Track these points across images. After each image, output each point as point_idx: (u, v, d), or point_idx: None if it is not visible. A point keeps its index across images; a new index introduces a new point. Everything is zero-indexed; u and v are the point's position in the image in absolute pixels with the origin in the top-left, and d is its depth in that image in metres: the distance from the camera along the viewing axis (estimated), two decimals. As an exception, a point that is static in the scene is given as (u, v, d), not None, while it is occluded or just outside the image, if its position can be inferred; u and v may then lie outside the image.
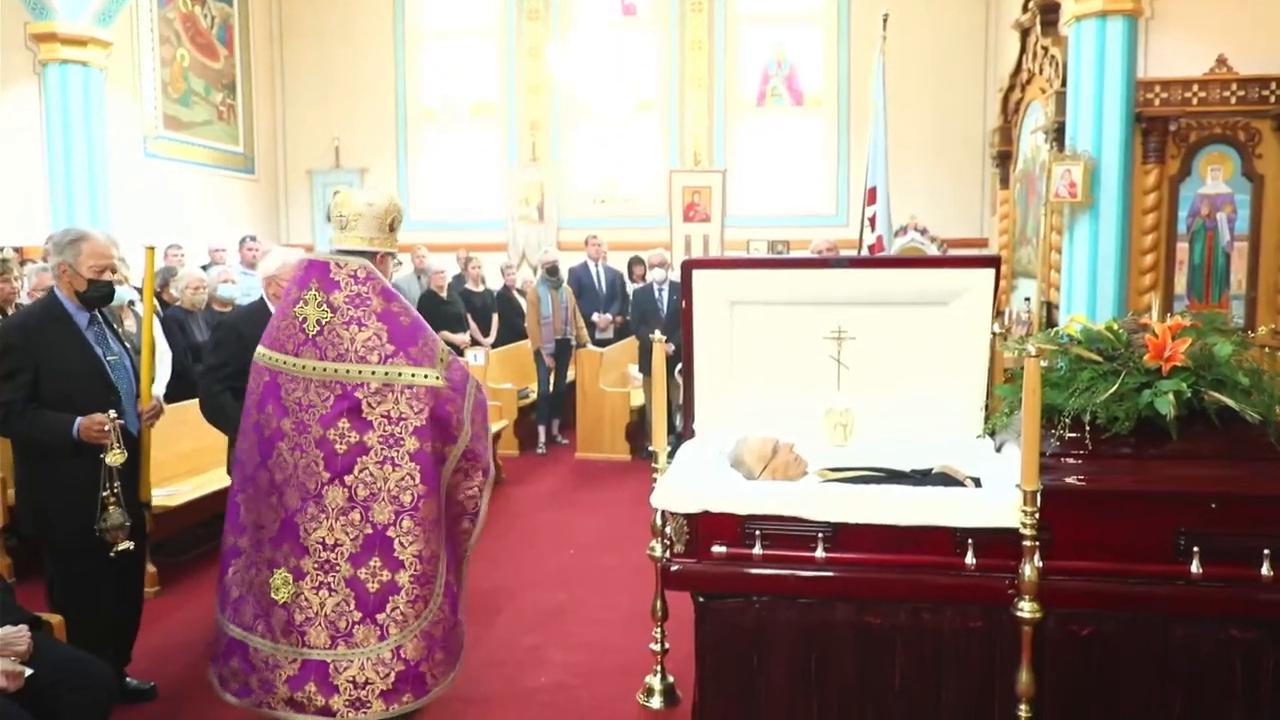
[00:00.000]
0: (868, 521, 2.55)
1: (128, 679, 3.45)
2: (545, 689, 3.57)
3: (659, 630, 3.36)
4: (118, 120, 9.01)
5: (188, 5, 10.46)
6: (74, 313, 3.19)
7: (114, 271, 3.24)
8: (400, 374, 2.84)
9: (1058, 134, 6.03)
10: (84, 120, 8.31)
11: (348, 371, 2.84)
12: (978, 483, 2.80)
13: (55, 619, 2.90)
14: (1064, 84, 5.98)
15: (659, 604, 3.33)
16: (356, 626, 2.89)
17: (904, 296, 3.14)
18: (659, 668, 3.40)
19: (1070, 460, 2.57)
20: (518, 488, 6.78)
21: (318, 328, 2.86)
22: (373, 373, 2.84)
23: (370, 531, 2.88)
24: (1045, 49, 6.43)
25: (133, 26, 9.54)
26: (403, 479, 2.87)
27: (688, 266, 3.20)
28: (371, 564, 2.88)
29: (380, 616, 2.88)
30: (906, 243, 9.27)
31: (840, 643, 2.67)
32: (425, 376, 2.85)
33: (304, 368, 2.88)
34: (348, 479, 2.87)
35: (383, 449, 2.86)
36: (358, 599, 2.89)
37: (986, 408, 3.14)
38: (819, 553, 2.60)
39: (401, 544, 2.89)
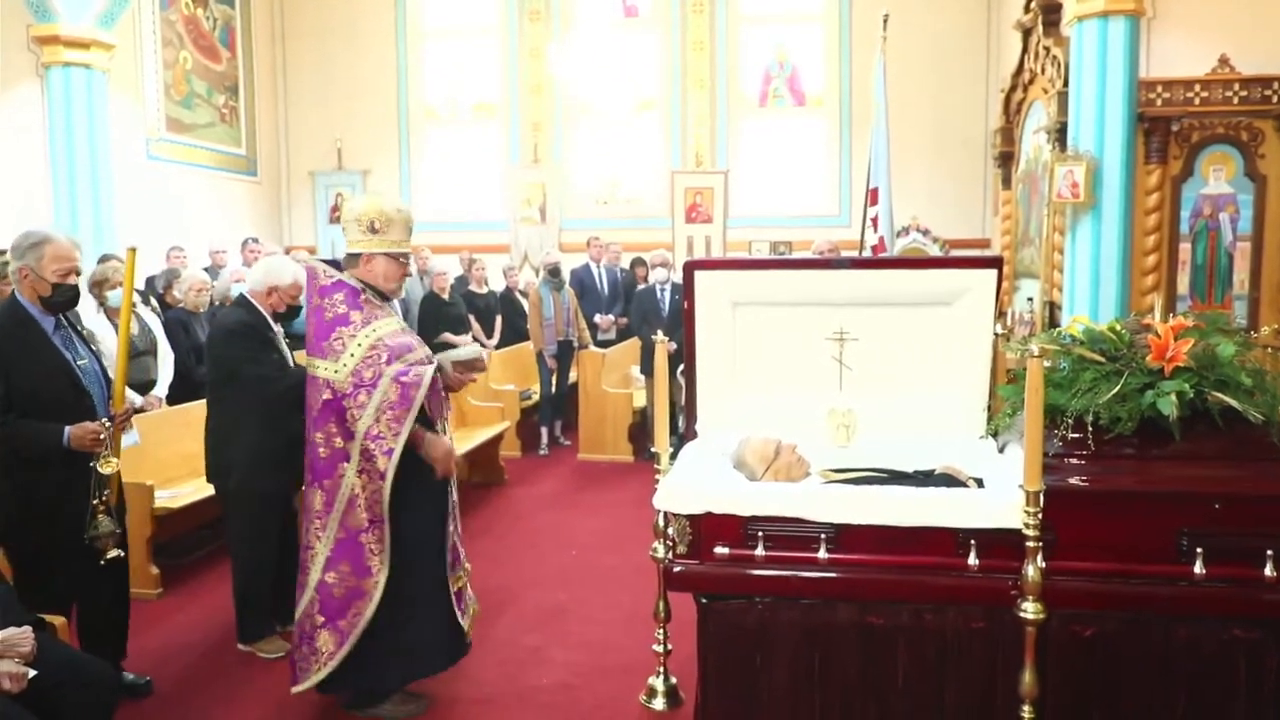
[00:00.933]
0: (870, 522, 2.55)
1: (124, 674, 3.45)
2: (547, 689, 3.57)
3: (661, 631, 3.36)
4: (120, 123, 9.02)
5: (190, 8, 10.48)
6: (39, 318, 3.11)
7: (78, 274, 3.18)
8: (314, 365, 3.08)
9: (1060, 134, 6.03)
10: (87, 123, 8.32)
11: (305, 363, 3.18)
12: (980, 483, 2.80)
13: (58, 620, 2.90)
14: (1066, 84, 5.98)
15: (661, 605, 3.32)
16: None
17: (906, 297, 3.14)
18: (661, 669, 3.39)
19: (1073, 461, 2.57)
20: (520, 489, 6.79)
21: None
22: (307, 364, 3.13)
23: (306, 513, 3.17)
24: (1047, 49, 6.43)
25: (135, 29, 9.56)
26: (306, 467, 3.12)
27: (690, 267, 3.20)
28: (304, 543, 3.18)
29: (297, 593, 3.18)
30: (908, 243, 9.28)
31: (843, 643, 2.67)
32: (325, 369, 3.04)
33: None
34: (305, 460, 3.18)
35: (307, 433, 3.12)
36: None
37: (989, 408, 3.13)
38: (821, 554, 2.60)
39: (303, 528, 3.14)
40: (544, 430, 8.04)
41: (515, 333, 8.90)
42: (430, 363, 3.16)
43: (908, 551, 2.56)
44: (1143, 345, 2.66)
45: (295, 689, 3.18)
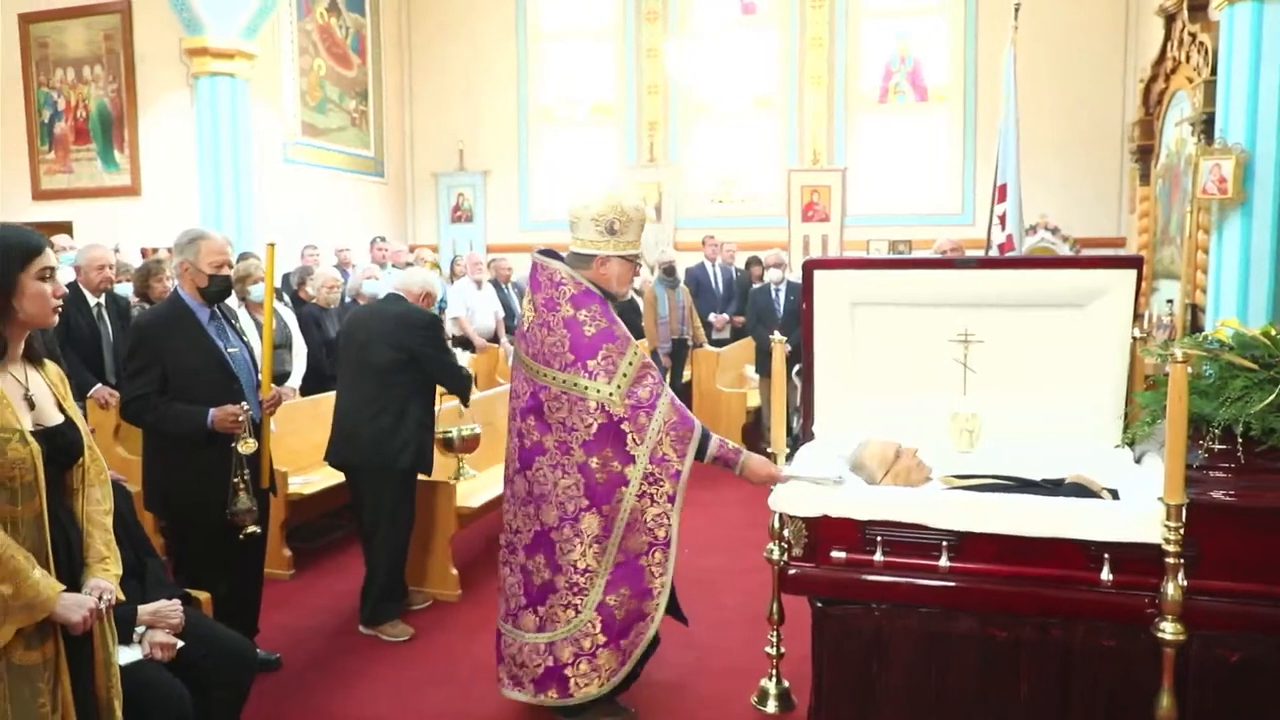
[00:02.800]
0: (995, 531, 2.47)
1: (257, 650, 3.64)
2: (657, 686, 3.57)
3: (775, 634, 3.32)
4: (261, 128, 9.54)
5: (324, 17, 10.98)
6: (196, 309, 3.36)
7: (230, 267, 3.45)
8: (576, 384, 2.88)
9: (1206, 126, 5.67)
10: (231, 129, 8.83)
11: (538, 371, 2.96)
12: (1114, 495, 2.66)
13: (203, 595, 3.08)
14: (1214, 72, 5.62)
15: (775, 607, 3.29)
16: (522, 611, 3.06)
17: (1036, 298, 3.02)
18: (774, 672, 3.36)
19: (1219, 474, 2.42)
20: (632, 486, 6.81)
21: (526, 324, 3.04)
22: (554, 378, 2.92)
23: (539, 528, 3.00)
24: (1193, 35, 6.06)
25: (275, 39, 10.08)
26: (569, 487, 2.92)
27: (809, 266, 3.16)
28: (538, 559, 3.01)
29: (541, 609, 3.01)
30: (1036, 242, 8.92)
31: (962, 654, 2.59)
32: (598, 391, 2.86)
33: (519, 358, 3.08)
34: (528, 473, 3.01)
35: (557, 454, 2.94)
36: (525, 585, 3.06)
37: (1125, 416, 2.98)
38: (943, 561, 2.53)
39: (561, 549, 2.95)
40: (656, 428, 8.06)
41: (630, 331, 8.93)
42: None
43: (1035, 563, 2.46)
44: (1301, 352, 2.48)
45: (571, 701, 3.03)
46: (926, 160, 11.02)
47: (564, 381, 2.90)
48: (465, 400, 4.34)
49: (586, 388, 2.87)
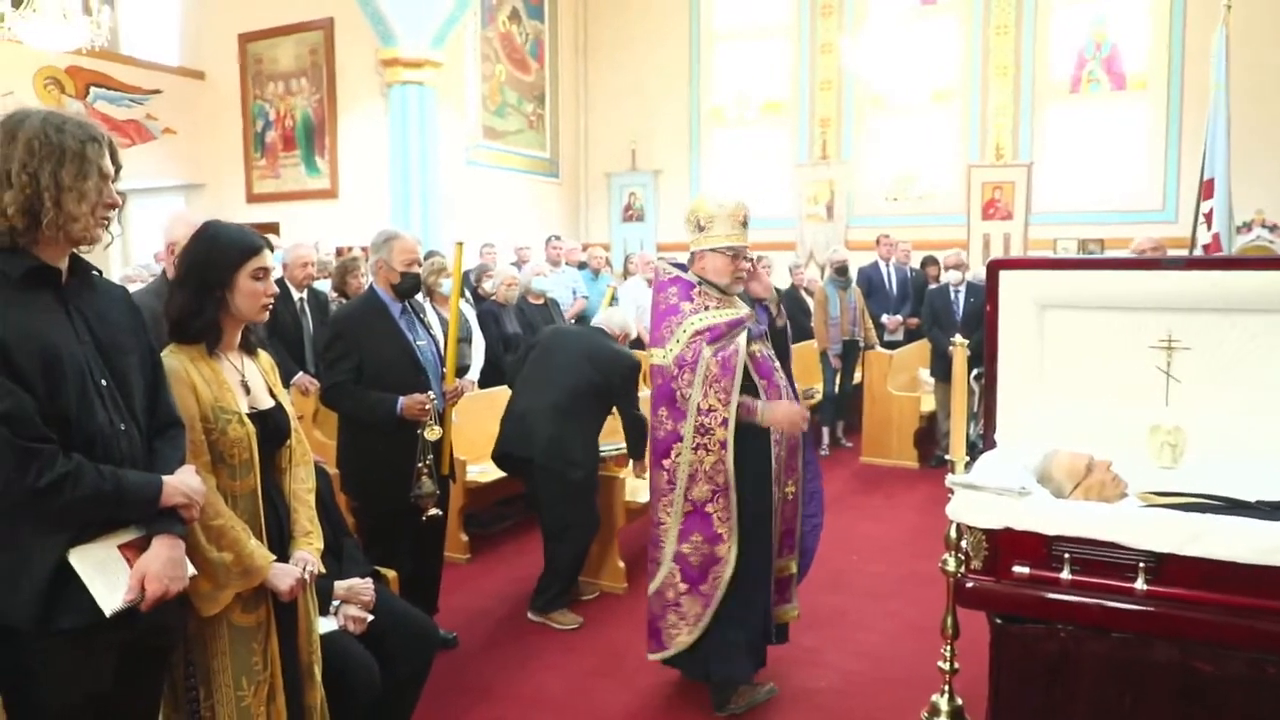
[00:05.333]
0: (1202, 555, 2.26)
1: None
2: (823, 692, 3.52)
3: (948, 649, 3.19)
4: (445, 133, 10.04)
5: (505, 24, 11.43)
6: (389, 304, 3.58)
7: (419, 265, 3.67)
8: (652, 354, 3.28)
9: None
10: (419, 134, 9.35)
11: None
12: (1346, 521, 2.39)
13: (390, 574, 3.27)
14: None
15: (949, 620, 3.16)
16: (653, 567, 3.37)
17: (1255, 302, 2.75)
18: (946, 688, 3.22)
19: None
20: (798, 488, 6.73)
21: None
22: (649, 354, 3.33)
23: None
24: None
25: (460, 48, 10.58)
26: (650, 447, 3.31)
27: (994, 266, 3.01)
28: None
29: (651, 567, 3.33)
30: (1250, 241, 8.19)
31: (1160, 687, 2.39)
32: (658, 356, 3.22)
33: None
34: None
35: (651, 418, 3.33)
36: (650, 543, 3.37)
37: (1360, 434, 2.68)
38: (1139, 584, 2.34)
39: (652, 507, 3.30)
40: (825, 430, 7.93)
41: (799, 331, 8.80)
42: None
43: (1249, 593, 2.24)
44: None
45: (660, 655, 3.33)
46: (1123, 153, 10.28)
47: (650, 354, 3.30)
48: (637, 454, 4.43)
49: (654, 354, 3.25)
